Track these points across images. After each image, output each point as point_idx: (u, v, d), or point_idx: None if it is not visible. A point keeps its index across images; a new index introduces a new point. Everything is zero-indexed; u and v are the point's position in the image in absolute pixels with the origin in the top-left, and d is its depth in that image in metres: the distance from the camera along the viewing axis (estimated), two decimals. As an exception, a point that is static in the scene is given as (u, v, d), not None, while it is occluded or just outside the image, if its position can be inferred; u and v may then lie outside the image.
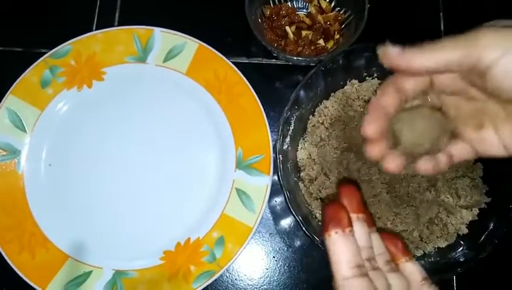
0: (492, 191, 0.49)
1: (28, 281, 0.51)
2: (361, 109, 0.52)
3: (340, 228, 0.29)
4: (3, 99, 0.55)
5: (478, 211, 0.49)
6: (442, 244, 0.48)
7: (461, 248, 0.47)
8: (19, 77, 0.56)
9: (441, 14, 0.61)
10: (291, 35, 0.58)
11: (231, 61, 0.57)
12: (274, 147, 0.53)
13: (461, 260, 0.45)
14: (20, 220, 0.53)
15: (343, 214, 0.29)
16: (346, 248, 0.28)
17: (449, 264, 0.46)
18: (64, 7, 0.62)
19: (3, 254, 0.51)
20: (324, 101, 0.52)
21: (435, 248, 0.48)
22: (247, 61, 0.59)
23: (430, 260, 0.47)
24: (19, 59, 0.58)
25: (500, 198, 0.47)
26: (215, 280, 0.51)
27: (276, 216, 0.55)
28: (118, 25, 0.60)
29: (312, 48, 0.58)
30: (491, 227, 0.45)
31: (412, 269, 0.31)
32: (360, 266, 0.28)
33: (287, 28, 0.58)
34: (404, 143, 0.32)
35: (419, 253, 0.48)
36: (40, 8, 0.62)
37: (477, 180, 0.50)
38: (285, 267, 0.53)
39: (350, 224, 0.29)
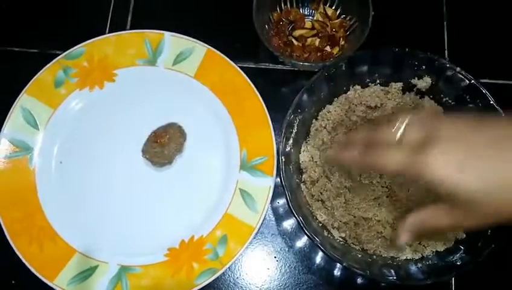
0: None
1: (36, 273, 0.52)
2: (364, 114, 0.53)
3: None
4: (18, 98, 0.57)
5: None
6: (441, 248, 0.48)
7: (460, 252, 0.47)
8: (33, 76, 0.58)
9: (445, 23, 0.62)
10: (296, 43, 0.59)
11: (238, 66, 0.59)
12: (277, 149, 0.54)
13: (458, 263, 0.46)
14: (31, 214, 0.55)
15: None
16: None
17: (447, 267, 0.46)
18: (79, 11, 0.65)
19: (13, 246, 0.53)
20: (327, 105, 0.54)
21: (433, 252, 0.49)
22: (254, 66, 0.61)
23: (428, 263, 0.48)
24: (34, 60, 0.61)
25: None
26: (217, 277, 0.52)
27: (278, 217, 0.56)
28: (130, 29, 0.62)
29: (318, 54, 0.59)
30: (489, 232, 0.45)
31: None
32: None
33: (291, 37, 0.60)
34: None
35: (417, 256, 0.48)
36: (55, 12, 0.64)
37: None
38: (285, 268, 0.54)
39: None
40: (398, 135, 0.36)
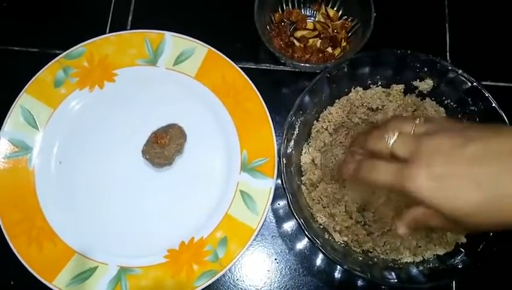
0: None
1: (35, 274, 0.52)
2: (365, 116, 0.53)
3: None
4: (17, 98, 0.57)
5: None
6: (441, 252, 0.48)
7: (461, 255, 0.47)
8: (33, 76, 0.58)
9: (447, 25, 0.62)
10: (297, 44, 0.59)
11: (239, 67, 0.58)
12: (278, 150, 0.54)
13: (460, 266, 0.46)
14: (30, 215, 0.54)
15: None
16: None
17: (448, 270, 0.46)
18: (79, 10, 0.64)
19: (12, 247, 0.53)
20: (329, 107, 0.53)
21: (434, 255, 0.48)
22: (255, 66, 0.61)
23: (429, 265, 0.48)
24: (34, 59, 0.60)
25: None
26: (217, 279, 0.52)
27: (279, 219, 0.56)
28: (131, 29, 0.62)
29: (320, 55, 0.59)
30: (490, 235, 0.45)
31: None
32: None
33: (293, 38, 0.60)
34: None
35: (418, 259, 0.48)
36: (56, 11, 0.64)
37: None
38: (286, 270, 0.54)
39: None
40: (390, 146, 0.37)
